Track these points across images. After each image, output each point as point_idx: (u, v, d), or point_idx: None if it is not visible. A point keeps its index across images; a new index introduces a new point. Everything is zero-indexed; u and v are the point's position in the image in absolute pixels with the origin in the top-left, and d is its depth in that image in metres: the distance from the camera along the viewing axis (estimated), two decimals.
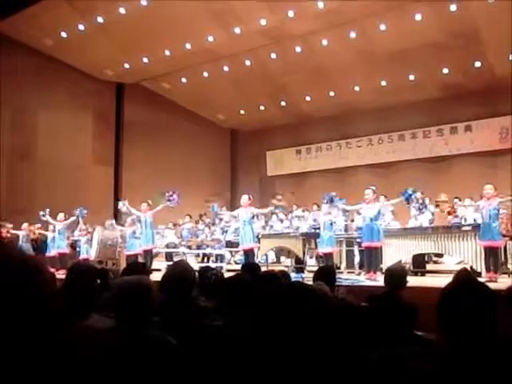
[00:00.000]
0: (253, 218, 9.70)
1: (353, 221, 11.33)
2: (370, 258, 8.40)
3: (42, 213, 11.73)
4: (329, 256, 9.35)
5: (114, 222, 11.97)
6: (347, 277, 8.81)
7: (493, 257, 7.51)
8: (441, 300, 1.75)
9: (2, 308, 0.73)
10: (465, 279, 1.84)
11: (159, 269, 10.18)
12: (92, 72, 14.94)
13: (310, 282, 3.87)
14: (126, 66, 14.36)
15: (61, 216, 11.80)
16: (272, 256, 12.22)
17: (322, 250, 9.41)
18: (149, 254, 10.45)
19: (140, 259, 10.26)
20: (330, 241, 9.34)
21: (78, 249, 12.12)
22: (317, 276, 4.21)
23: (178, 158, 16.73)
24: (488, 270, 7.47)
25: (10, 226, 12.08)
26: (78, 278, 2.74)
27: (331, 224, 9.47)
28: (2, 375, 0.73)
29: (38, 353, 0.81)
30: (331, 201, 9.31)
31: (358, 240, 9.81)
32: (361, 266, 9.95)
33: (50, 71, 14.11)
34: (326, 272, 4.32)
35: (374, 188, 8.68)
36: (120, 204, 11.00)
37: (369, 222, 8.37)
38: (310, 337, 1.71)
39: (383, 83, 14.32)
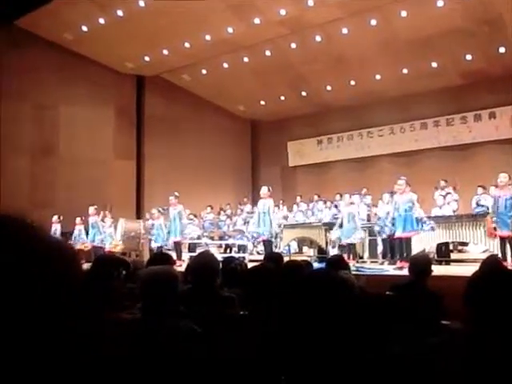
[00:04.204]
0: (276, 206, 9.76)
1: (375, 206, 11.24)
2: (401, 248, 8.36)
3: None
4: (351, 247, 9.36)
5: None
6: (370, 266, 8.79)
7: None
8: (468, 287, 1.72)
9: (31, 295, 0.74)
10: (494, 266, 1.81)
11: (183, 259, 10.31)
12: (112, 65, 15.03)
13: None
14: (146, 58, 14.42)
15: (93, 209, 12.00)
16: (294, 246, 12.22)
17: (345, 240, 9.42)
18: (178, 246, 10.69)
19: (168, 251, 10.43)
20: (351, 232, 9.32)
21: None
22: (330, 266, 4.17)
23: (199, 149, 16.77)
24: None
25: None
26: (102, 268, 2.77)
27: (354, 216, 9.44)
28: (25, 369, 0.74)
29: (64, 343, 0.82)
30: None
31: (381, 230, 9.75)
32: (384, 256, 9.90)
33: (71, 66, 14.22)
34: (337, 262, 4.29)
35: (405, 178, 8.65)
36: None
37: (402, 213, 8.31)
38: (337, 328, 1.70)
39: (405, 71, 14.14)
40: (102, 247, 11.87)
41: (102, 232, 12.14)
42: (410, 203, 8.31)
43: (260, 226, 9.47)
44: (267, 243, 9.45)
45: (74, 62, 14.25)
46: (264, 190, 9.40)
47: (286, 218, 13.36)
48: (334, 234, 9.92)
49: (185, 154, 16.41)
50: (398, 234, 8.35)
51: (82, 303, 0.85)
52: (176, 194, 10.89)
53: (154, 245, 11.43)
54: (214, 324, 2.28)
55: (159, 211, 11.58)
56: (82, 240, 12.14)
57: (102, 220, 12.32)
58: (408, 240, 8.26)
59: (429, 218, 9.20)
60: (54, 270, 0.76)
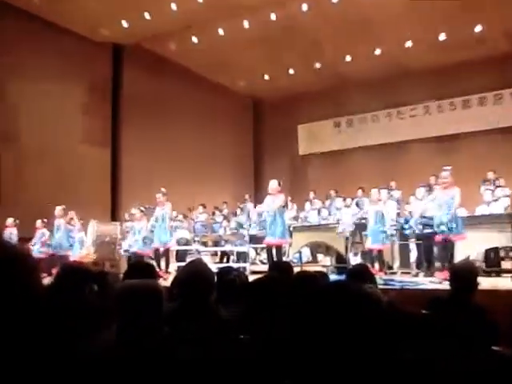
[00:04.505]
0: (284, 207, 9.74)
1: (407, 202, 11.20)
2: (442, 255, 8.34)
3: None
4: (378, 254, 9.34)
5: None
6: (402, 278, 8.75)
7: None
8: None
9: None
10: None
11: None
12: (83, 32, 14.95)
13: None
14: (124, 23, 14.36)
15: (59, 209, 11.97)
16: (307, 254, 12.20)
17: (371, 246, 9.40)
18: (165, 254, 10.72)
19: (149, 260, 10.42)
20: (380, 235, 9.31)
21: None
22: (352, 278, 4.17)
23: (189, 135, 16.74)
24: None
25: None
26: (68, 282, 2.74)
27: (383, 215, 9.44)
28: None
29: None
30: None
31: (417, 232, 9.73)
32: (418, 265, 9.86)
33: (32, 33, 14.10)
34: (360, 273, 4.27)
35: (451, 168, 8.59)
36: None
37: (446, 211, 8.28)
38: (356, 351, 1.67)
39: (442, 37, 14.07)
40: (68, 256, 11.86)
41: (69, 237, 12.13)
42: (453, 199, 8.28)
43: (268, 228, 9.47)
44: (276, 249, 9.41)
45: (37, 27, 14.14)
46: (273, 184, 9.37)
47: (296, 218, 13.35)
48: (341, 226, 10.01)
49: (171, 140, 16.37)
50: (442, 236, 8.32)
51: (41, 324, 0.83)
52: (163, 190, 10.89)
53: (132, 249, 11.41)
54: (208, 350, 2.26)
55: (142, 211, 11.56)
56: (43, 247, 12.14)
57: (70, 223, 12.30)
58: (451, 245, 8.23)
59: (474, 217, 9.16)
60: (6, 282, 0.74)
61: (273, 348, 2.07)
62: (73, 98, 15.20)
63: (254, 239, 12.00)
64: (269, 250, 9.54)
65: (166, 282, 5.99)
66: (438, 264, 9.20)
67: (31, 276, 0.82)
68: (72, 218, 12.38)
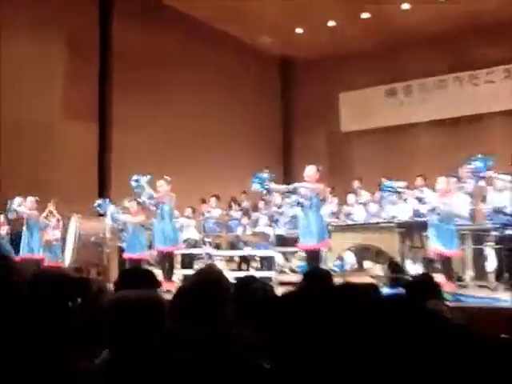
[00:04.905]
0: (323, 200, 9.72)
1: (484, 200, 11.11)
2: None
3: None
4: (446, 261, 9.26)
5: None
6: (476, 293, 8.71)
7: None
8: None
9: None
10: None
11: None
12: None
13: None
14: None
15: (31, 201, 12.04)
16: (350, 260, 12.17)
17: (437, 249, 9.30)
18: (168, 259, 10.75)
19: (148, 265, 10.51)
20: (449, 237, 9.23)
21: None
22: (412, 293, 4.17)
23: (198, 106, 16.72)
24: None
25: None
26: (45, 293, 2.76)
27: (452, 211, 9.35)
28: None
29: None
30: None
31: (495, 233, 9.64)
32: (498, 276, 9.78)
33: None
34: (422, 285, 4.26)
35: None
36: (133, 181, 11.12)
37: None
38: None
39: None
40: (43, 259, 11.93)
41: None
42: None
43: (300, 227, 9.49)
44: (310, 255, 9.42)
45: None
46: (310, 171, 9.37)
47: (336, 214, 13.28)
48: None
49: (175, 112, 16.36)
50: None
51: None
52: (167, 177, 10.89)
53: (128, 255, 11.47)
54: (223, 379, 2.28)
55: (139, 203, 11.57)
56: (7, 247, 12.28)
57: (46, 218, 12.38)
58: None
59: None
60: None
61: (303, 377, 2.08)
62: (49, 57, 15.17)
63: (283, 241, 11.98)
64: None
65: (169, 294, 6.03)
66: None
67: (11, 277, 0.84)
68: (51, 212, 12.44)
